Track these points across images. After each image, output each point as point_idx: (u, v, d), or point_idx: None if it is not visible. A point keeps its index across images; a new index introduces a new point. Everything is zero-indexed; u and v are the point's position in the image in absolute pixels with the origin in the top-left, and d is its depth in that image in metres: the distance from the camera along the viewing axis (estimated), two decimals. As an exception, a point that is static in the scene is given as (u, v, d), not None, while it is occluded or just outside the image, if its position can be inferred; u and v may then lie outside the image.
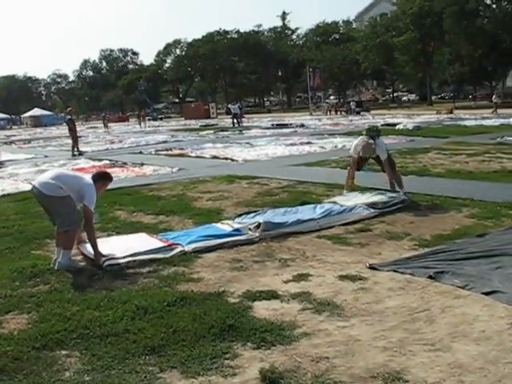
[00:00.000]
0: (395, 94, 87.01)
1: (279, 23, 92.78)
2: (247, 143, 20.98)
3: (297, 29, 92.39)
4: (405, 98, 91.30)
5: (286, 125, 34.13)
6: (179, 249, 5.97)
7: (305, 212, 7.38)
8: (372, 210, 7.52)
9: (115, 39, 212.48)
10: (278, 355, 3.54)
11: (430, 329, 3.84)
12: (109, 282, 5.16)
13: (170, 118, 76.39)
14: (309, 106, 63.82)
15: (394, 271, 5.09)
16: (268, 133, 27.78)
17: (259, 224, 6.59)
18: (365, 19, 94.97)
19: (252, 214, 7.27)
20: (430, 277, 4.83)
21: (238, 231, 6.46)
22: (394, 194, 8.18)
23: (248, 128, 33.18)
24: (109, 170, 9.87)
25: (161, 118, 70.44)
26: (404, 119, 34.71)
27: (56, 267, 5.61)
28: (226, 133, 29.58)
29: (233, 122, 39.16)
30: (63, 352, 3.73)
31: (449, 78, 74.45)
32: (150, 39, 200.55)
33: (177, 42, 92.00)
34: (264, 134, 27.34)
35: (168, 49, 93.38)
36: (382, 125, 29.73)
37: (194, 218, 7.85)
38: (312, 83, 61.23)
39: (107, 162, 16.64)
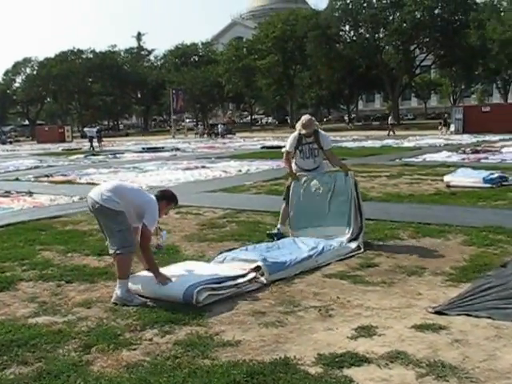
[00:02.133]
0: (253, 117, 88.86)
1: (135, 44, 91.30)
2: (135, 167, 19.63)
3: (153, 50, 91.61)
4: (263, 121, 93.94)
5: (158, 148, 33.11)
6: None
7: (289, 248, 6.49)
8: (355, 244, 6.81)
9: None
10: None
11: None
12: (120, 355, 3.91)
13: (19, 141, 71.45)
14: (168, 128, 62.92)
15: (467, 315, 4.40)
16: (146, 157, 26.50)
17: (257, 267, 5.60)
18: (220, 42, 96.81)
19: (231, 254, 6.22)
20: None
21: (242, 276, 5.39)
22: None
23: (119, 152, 31.43)
24: None
25: (10, 142, 65.70)
26: (280, 142, 35.05)
27: (112, 299, 4.99)
28: (99, 157, 27.71)
29: (91, 146, 37.33)
30: None
31: (308, 100, 77.83)
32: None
33: (27, 61, 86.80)
34: (142, 158, 26.04)
35: (17, 67, 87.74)
36: (262, 147, 29.84)
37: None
38: (175, 105, 60.45)
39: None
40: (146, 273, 5.32)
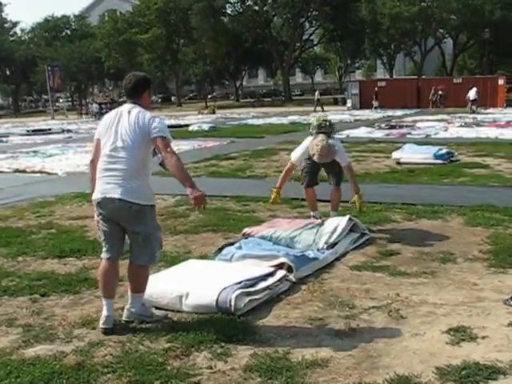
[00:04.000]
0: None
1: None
2: (35, 152, 18.06)
3: (18, 22, 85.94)
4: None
5: (45, 130, 31.08)
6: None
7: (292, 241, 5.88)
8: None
9: None
10: None
11: None
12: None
13: None
14: (41, 109, 59.34)
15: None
16: (38, 140, 24.56)
17: (281, 264, 4.98)
18: (91, 15, 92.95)
19: (239, 250, 5.52)
20: None
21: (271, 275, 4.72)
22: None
23: (2, 135, 28.97)
24: None
25: None
26: (179, 121, 34.26)
27: (124, 317, 4.12)
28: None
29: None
30: None
31: (193, 76, 76.66)
32: None
33: None
34: (35, 141, 23.96)
35: None
36: (169, 126, 28.80)
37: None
38: (52, 83, 57.06)
39: None
40: (157, 279, 4.51)
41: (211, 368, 3.42)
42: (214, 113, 45.24)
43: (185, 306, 4.26)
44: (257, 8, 60.73)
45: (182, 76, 76.01)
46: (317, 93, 45.13)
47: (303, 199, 8.47)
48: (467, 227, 6.58)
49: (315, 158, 6.45)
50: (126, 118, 3.99)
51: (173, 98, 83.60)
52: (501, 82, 40.20)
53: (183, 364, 3.48)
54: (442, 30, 58.29)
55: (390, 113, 34.47)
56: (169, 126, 17.98)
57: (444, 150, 12.03)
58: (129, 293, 4.15)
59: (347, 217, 6.17)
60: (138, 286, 4.12)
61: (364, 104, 43.29)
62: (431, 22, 54.20)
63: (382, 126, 22.46)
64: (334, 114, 34.89)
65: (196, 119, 36.43)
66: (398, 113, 34.21)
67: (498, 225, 6.56)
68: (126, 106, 4.08)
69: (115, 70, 68.27)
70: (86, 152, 16.98)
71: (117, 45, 64.71)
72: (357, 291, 4.61)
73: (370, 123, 24.72)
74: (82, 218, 7.86)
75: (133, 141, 3.93)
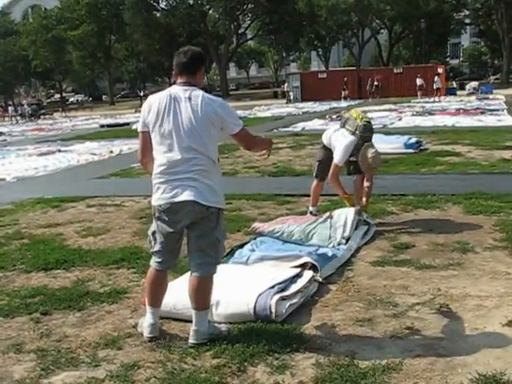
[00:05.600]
0: (62, 95, 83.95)
1: None
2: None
3: None
4: (72, 99, 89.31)
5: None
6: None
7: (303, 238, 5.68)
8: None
9: None
10: None
11: None
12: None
13: None
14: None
15: None
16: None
17: (304, 264, 4.77)
18: (14, 11, 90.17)
19: (254, 253, 5.27)
20: None
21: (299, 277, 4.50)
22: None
23: None
24: None
25: None
26: (117, 120, 33.63)
27: (193, 341, 3.61)
28: None
29: None
30: None
31: (126, 74, 75.33)
32: None
33: None
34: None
35: None
36: (102, 126, 28.16)
37: (123, 264, 5.54)
38: (-24, 84, 54.83)
39: None
40: (176, 288, 4.14)
41: (279, 383, 3.17)
42: (150, 111, 44.40)
43: (216, 315, 3.95)
44: (191, 2, 60.16)
45: (114, 74, 74.61)
46: (286, 85, 45.55)
47: (287, 195, 8.33)
48: (469, 216, 6.54)
49: (363, 169, 6.33)
50: (186, 105, 3.48)
51: (104, 97, 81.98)
52: (440, 71, 41.22)
53: (243, 381, 3.21)
54: (378, 21, 59.37)
55: (334, 104, 34.70)
56: (108, 126, 17.56)
57: (413, 139, 12.10)
58: (192, 312, 3.71)
59: (353, 208, 6.02)
60: (203, 300, 3.70)
61: (306, 96, 43.51)
62: (367, 13, 55.07)
63: (334, 117, 22.49)
64: (278, 108, 35.04)
65: (134, 117, 35.68)
66: (343, 104, 34.53)
67: (498, 212, 6.55)
68: (181, 89, 3.53)
69: (43, 69, 66.30)
70: (29, 155, 16.35)
71: (45, 42, 62.81)
72: (392, 288, 4.44)
73: (319, 115, 24.80)
74: (53, 226, 7.43)
75: (202, 135, 3.49)
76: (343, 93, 41.14)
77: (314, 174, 6.67)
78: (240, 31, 63.97)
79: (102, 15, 60.39)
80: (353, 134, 6.21)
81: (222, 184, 3.66)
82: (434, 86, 35.09)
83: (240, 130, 3.59)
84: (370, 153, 6.13)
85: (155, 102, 3.54)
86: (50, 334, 4.04)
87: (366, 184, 6.52)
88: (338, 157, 6.24)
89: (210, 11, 61.80)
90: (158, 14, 63.05)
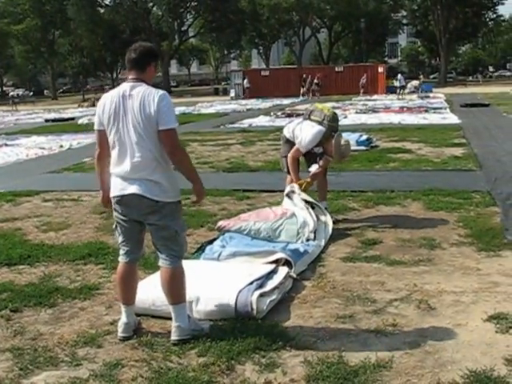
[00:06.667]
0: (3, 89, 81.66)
1: None
2: None
3: None
4: (13, 94, 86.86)
5: None
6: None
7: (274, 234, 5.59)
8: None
9: None
10: None
11: None
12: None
13: None
14: None
15: None
16: None
17: (277, 259, 4.71)
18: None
19: (225, 248, 5.16)
20: None
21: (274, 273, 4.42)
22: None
23: None
24: None
25: None
26: (62, 114, 32.83)
27: (175, 338, 3.55)
28: None
29: None
30: None
31: (69, 69, 73.88)
32: None
33: None
34: None
35: None
36: (46, 121, 27.44)
37: (90, 260, 5.38)
38: None
39: None
40: (154, 283, 4.00)
41: (271, 382, 3.09)
42: (94, 105, 43.57)
43: (196, 312, 3.86)
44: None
45: (57, 68, 73.18)
46: (246, 81, 44.96)
47: (245, 190, 8.25)
48: (430, 212, 6.61)
49: (333, 158, 6.30)
50: (132, 103, 3.47)
51: (45, 92, 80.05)
52: (380, 69, 41.95)
53: (234, 380, 3.12)
54: (318, 21, 59.96)
55: (277, 101, 34.77)
56: (53, 120, 16.99)
57: (364, 137, 12.21)
58: (170, 308, 3.63)
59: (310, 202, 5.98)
60: (177, 293, 3.63)
61: (249, 93, 43.44)
62: (308, 12, 55.53)
63: (279, 114, 22.60)
64: (222, 104, 34.88)
65: (79, 112, 35.00)
66: (285, 101, 34.66)
67: (459, 208, 6.64)
68: (129, 86, 3.53)
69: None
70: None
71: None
72: (367, 284, 4.43)
73: (264, 112, 24.80)
74: (10, 221, 7.23)
75: (144, 131, 3.46)
76: (302, 89, 41.29)
77: (286, 170, 6.57)
78: (183, 28, 63.48)
79: (45, 10, 58.97)
80: (320, 123, 6.15)
81: (173, 178, 3.59)
82: (398, 84, 35.54)
83: (171, 129, 3.46)
84: (343, 140, 6.17)
85: (107, 100, 3.57)
86: (24, 332, 3.89)
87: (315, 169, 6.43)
88: (303, 143, 6.18)
89: (154, 8, 61.03)
90: (102, 10, 62.06)
